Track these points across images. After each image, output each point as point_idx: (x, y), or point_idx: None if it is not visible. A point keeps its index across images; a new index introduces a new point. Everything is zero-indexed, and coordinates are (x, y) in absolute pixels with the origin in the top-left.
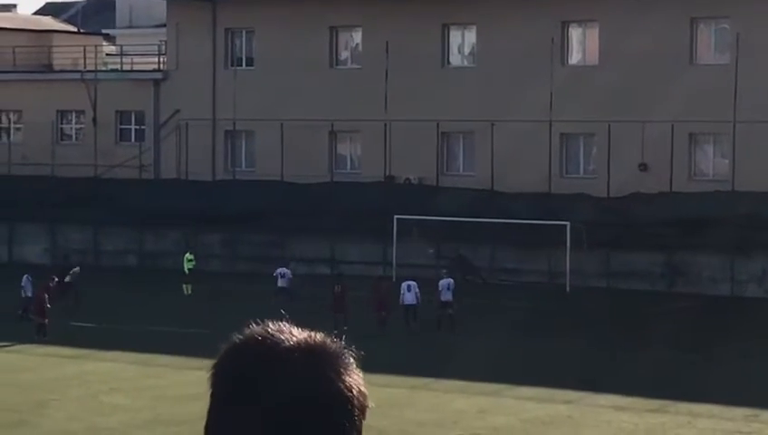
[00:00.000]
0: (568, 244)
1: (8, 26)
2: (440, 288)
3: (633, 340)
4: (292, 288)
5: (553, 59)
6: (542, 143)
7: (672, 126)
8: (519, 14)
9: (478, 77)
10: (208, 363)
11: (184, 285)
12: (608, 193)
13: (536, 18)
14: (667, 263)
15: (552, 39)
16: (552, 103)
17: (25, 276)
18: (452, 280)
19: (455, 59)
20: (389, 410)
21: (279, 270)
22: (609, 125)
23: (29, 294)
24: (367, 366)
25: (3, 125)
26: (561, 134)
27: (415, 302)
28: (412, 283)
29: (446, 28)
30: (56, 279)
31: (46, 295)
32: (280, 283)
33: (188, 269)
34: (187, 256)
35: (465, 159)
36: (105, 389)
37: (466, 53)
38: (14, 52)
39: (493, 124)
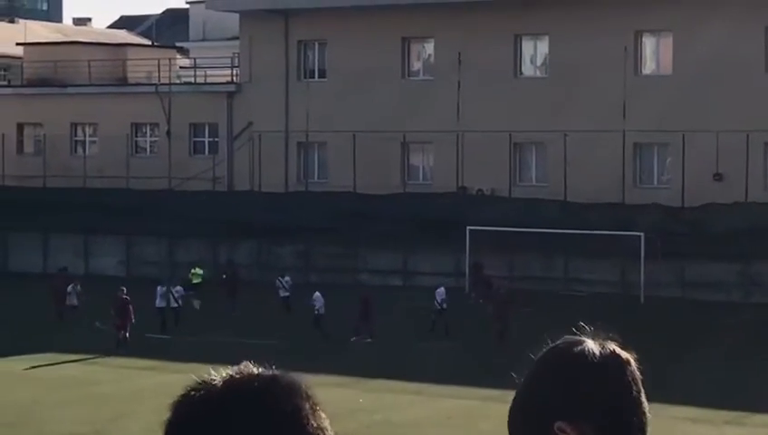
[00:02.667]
0: (642, 254)
1: (84, 40)
2: (436, 296)
3: (708, 350)
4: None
5: (626, 68)
6: (615, 153)
7: (747, 135)
8: (592, 24)
9: (550, 87)
10: None
11: (194, 301)
12: (682, 203)
13: (609, 28)
14: (742, 273)
15: (626, 48)
16: (626, 113)
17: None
18: (443, 289)
19: (527, 69)
20: (462, 420)
21: (285, 279)
22: (684, 135)
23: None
24: (432, 377)
25: (78, 138)
26: (635, 144)
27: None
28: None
29: (518, 38)
30: (125, 290)
31: (131, 307)
32: (281, 293)
33: (195, 284)
34: (196, 270)
35: (538, 169)
36: None
37: (539, 64)
38: (89, 65)
39: (565, 134)
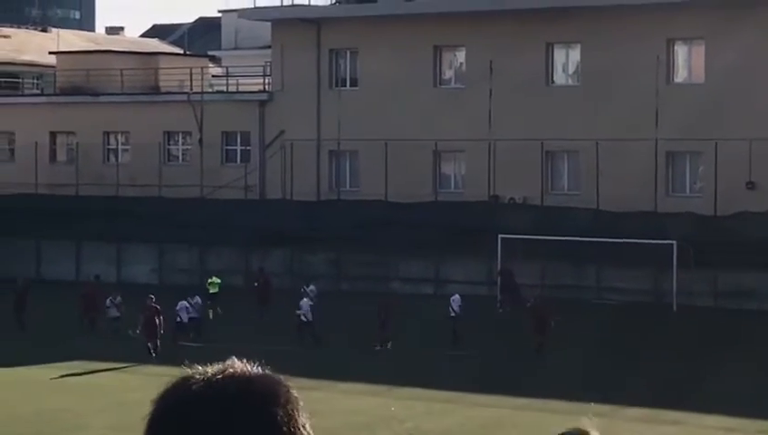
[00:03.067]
0: (674, 262)
1: (116, 49)
2: (452, 303)
3: (740, 360)
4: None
5: (658, 76)
6: (647, 161)
7: None
8: (624, 33)
9: (583, 96)
10: (312, 383)
11: (209, 311)
12: (714, 211)
13: (641, 36)
14: None
15: (657, 56)
16: (658, 121)
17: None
18: (458, 296)
19: (559, 78)
20: (495, 430)
21: (309, 288)
22: (716, 142)
23: (184, 320)
24: (465, 386)
25: (111, 146)
26: (667, 152)
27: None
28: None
29: (550, 47)
30: (153, 299)
31: (158, 318)
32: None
33: (213, 293)
34: (213, 279)
35: (570, 177)
36: None
37: (571, 72)
38: (121, 74)
39: (597, 142)
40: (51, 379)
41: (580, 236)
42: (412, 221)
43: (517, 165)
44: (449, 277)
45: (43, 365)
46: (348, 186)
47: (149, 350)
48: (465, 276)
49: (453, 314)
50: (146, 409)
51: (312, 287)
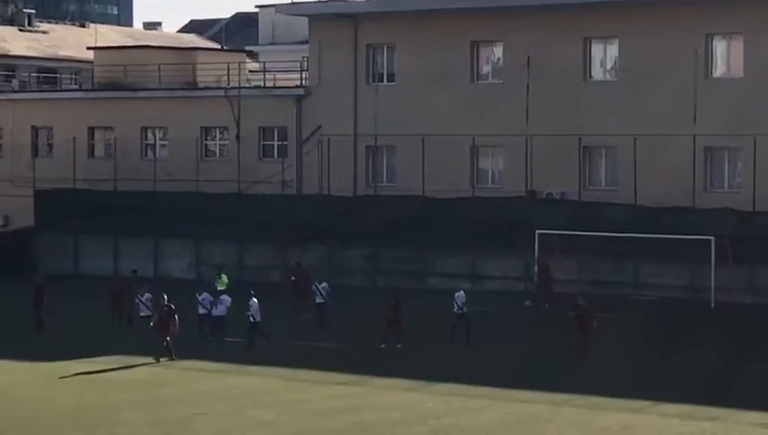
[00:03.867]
0: (713, 258)
1: (154, 44)
2: (456, 300)
3: None
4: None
5: (697, 71)
6: (685, 156)
7: None
8: (662, 28)
9: (621, 91)
10: (349, 378)
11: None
12: (753, 207)
13: (679, 31)
14: None
15: (696, 51)
16: (696, 116)
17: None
18: (463, 292)
19: (596, 72)
20: (532, 426)
21: (322, 286)
22: (755, 138)
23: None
24: (505, 382)
25: (149, 142)
26: (706, 148)
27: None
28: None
29: (587, 42)
30: (166, 298)
31: (173, 318)
32: (317, 299)
33: (221, 290)
34: (221, 276)
35: (608, 172)
36: (250, 403)
37: (608, 67)
38: (159, 69)
39: (635, 138)
40: (92, 373)
41: (618, 232)
42: (449, 217)
43: (555, 160)
44: (486, 273)
45: (81, 360)
46: (385, 181)
47: (164, 349)
48: (501, 272)
49: (457, 311)
50: (182, 404)
51: (324, 284)
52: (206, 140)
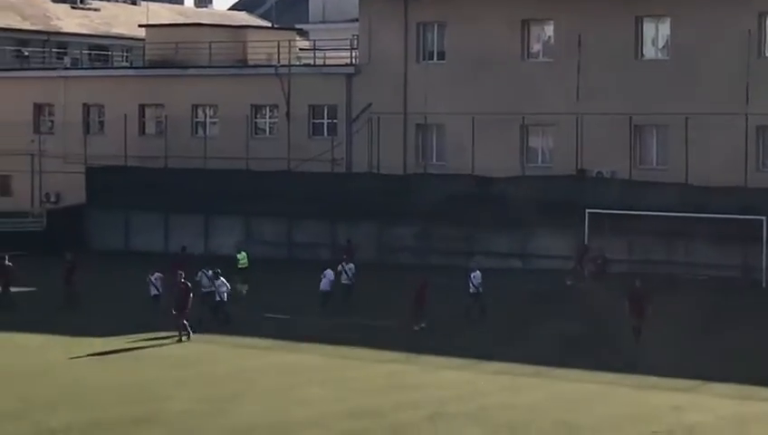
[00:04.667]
0: (764, 238)
1: (205, 22)
2: (472, 280)
3: None
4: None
5: (749, 50)
6: (737, 136)
7: None
8: (714, 6)
9: (672, 69)
10: (401, 356)
11: (240, 286)
12: None
13: (732, 10)
14: None
15: (749, 31)
16: (749, 95)
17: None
18: (479, 272)
19: (648, 51)
20: (582, 404)
21: (348, 266)
22: None
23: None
24: (555, 360)
25: (199, 119)
26: (758, 127)
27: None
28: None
29: (639, 20)
30: (182, 275)
31: (189, 295)
32: (344, 280)
33: (241, 268)
34: (241, 253)
35: (659, 151)
36: (298, 380)
37: (660, 46)
38: (210, 47)
39: (687, 117)
40: (141, 348)
41: (669, 211)
42: (498, 195)
43: (605, 139)
44: (536, 252)
45: (131, 336)
46: (434, 159)
47: (181, 330)
48: (551, 251)
49: (472, 291)
50: (230, 380)
51: (350, 265)
52: (256, 117)
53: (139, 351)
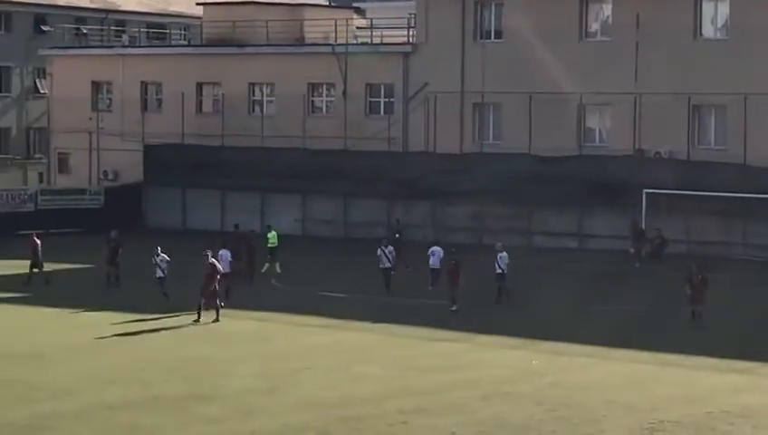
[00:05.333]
0: None
1: (262, 0)
2: (499, 261)
3: None
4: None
5: None
6: None
7: None
8: None
9: (731, 49)
10: (453, 335)
11: (267, 265)
12: None
13: None
14: None
15: None
16: None
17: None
18: (506, 253)
19: (707, 31)
20: (637, 385)
21: (388, 249)
22: None
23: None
24: (611, 341)
25: (256, 98)
26: None
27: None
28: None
29: (698, 0)
30: (209, 254)
31: (217, 276)
32: (383, 264)
33: (271, 247)
34: (271, 233)
35: (717, 131)
36: (356, 358)
37: (719, 25)
38: (267, 25)
39: (746, 97)
40: (198, 326)
41: (727, 192)
42: (556, 175)
43: (663, 119)
44: (592, 232)
45: (188, 313)
46: (491, 139)
47: (216, 309)
48: (608, 231)
49: (499, 272)
50: (288, 357)
51: (390, 248)
52: (313, 96)
53: (192, 328)
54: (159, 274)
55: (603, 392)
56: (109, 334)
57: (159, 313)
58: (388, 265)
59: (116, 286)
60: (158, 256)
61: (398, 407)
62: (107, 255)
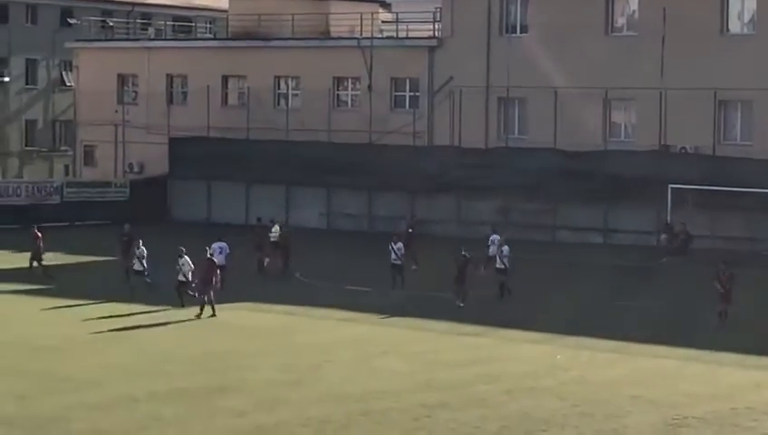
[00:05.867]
0: None
1: None
2: (503, 252)
3: None
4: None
5: None
6: None
7: None
8: None
9: (758, 44)
10: (476, 330)
11: (268, 259)
12: None
13: None
14: None
15: None
16: None
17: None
18: (507, 247)
19: (734, 26)
20: (661, 380)
21: (397, 246)
22: None
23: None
24: (635, 336)
25: (281, 91)
26: None
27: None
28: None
29: None
30: (209, 251)
31: (217, 271)
32: (394, 261)
33: (274, 242)
34: (276, 227)
35: (743, 128)
36: (378, 352)
37: (746, 20)
38: (293, 19)
39: None
40: (222, 319)
41: (752, 188)
42: (581, 170)
43: (689, 114)
44: (618, 227)
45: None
46: (516, 133)
47: (206, 304)
48: (633, 226)
49: (501, 267)
50: (311, 351)
51: (399, 245)
52: (338, 90)
53: (225, 320)
54: (181, 278)
55: (627, 388)
56: (131, 326)
57: (188, 305)
58: (398, 262)
59: (127, 280)
60: (180, 257)
61: (422, 401)
62: (120, 248)
